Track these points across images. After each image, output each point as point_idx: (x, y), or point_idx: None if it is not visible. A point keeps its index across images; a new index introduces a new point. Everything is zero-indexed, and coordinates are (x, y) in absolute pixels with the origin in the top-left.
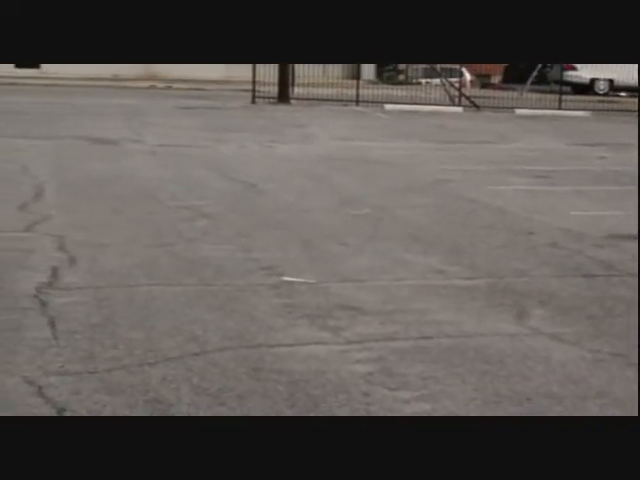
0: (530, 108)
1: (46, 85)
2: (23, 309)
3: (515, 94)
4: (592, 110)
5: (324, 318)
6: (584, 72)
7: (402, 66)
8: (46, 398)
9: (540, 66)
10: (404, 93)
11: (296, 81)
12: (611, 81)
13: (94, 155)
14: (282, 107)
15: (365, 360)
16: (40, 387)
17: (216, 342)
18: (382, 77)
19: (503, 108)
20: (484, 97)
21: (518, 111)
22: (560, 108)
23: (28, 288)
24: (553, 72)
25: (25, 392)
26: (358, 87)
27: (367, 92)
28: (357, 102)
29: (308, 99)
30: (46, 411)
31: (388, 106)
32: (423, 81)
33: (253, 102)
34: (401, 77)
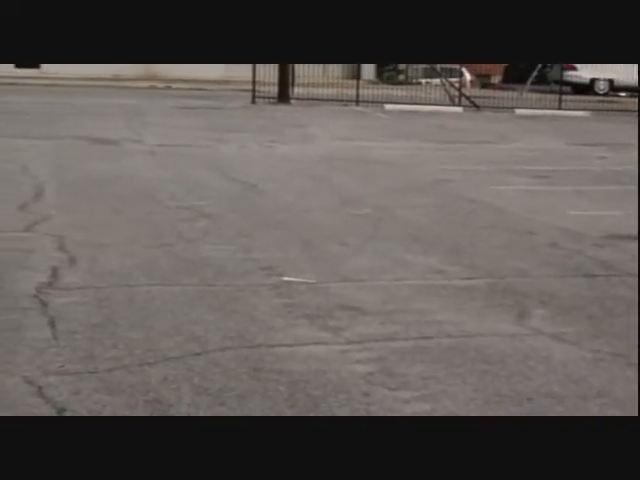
0: (530, 108)
1: (46, 85)
2: (23, 309)
3: (515, 94)
4: (592, 110)
5: (324, 318)
6: (584, 72)
7: (402, 66)
8: (46, 398)
9: (540, 66)
10: (404, 93)
11: (296, 81)
12: (611, 81)
13: (94, 155)
14: (282, 107)
15: (365, 360)
16: (40, 387)
17: (216, 342)
18: (382, 77)
19: (503, 108)
20: (484, 97)
21: (518, 111)
22: (560, 108)
23: (28, 288)
24: (553, 72)
25: (25, 392)
26: (358, 87)
27: (367, 92)
28: (357, 102)
29: (308, 99)
30: (46, 411)
31: (388, 106)
32: (423, 81)
33: (253, 102)
34: (401, 77)
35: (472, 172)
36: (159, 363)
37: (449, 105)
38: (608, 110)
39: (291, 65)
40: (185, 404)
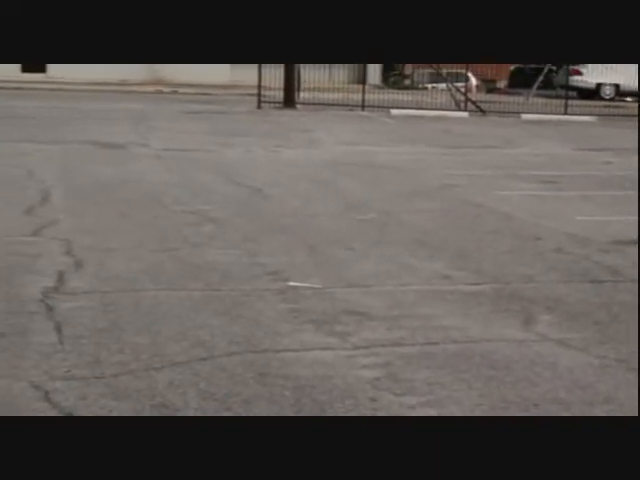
0: (536, 113)
1: (52, 90)
2: (29, 313)
3: (521, 99)
4: (598, 115)
5: (330, 323)
6: (590, 77)
7: (408, 71)
8: (53, 403)
9: (546, 71)
10: (410, 98)
11: (302, 86)
12: (617, 86)
13: (100, 159)
14: (288, 112)
15: (371, 365)
16: (47, 392)
17: (222, 347)
18: (388, 82)
19: (509, 113)
20: (490, 102)
21: (524, 116)
22: (566, 113)
23: (34, 292)
24: (559, 77)
25: (32, 397)
26: (364, 92)
27: (373, 97)
28: (363, 107)
29: (314, 104)
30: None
31: (394, 111)
32: (429, 86)
33: (259, 107)
34: (407, 82)
35: (478, 177)
36: (165, 368)
37: (455, 110)
38: (614, 115)
39: (297, 70)
40: (191, 409)
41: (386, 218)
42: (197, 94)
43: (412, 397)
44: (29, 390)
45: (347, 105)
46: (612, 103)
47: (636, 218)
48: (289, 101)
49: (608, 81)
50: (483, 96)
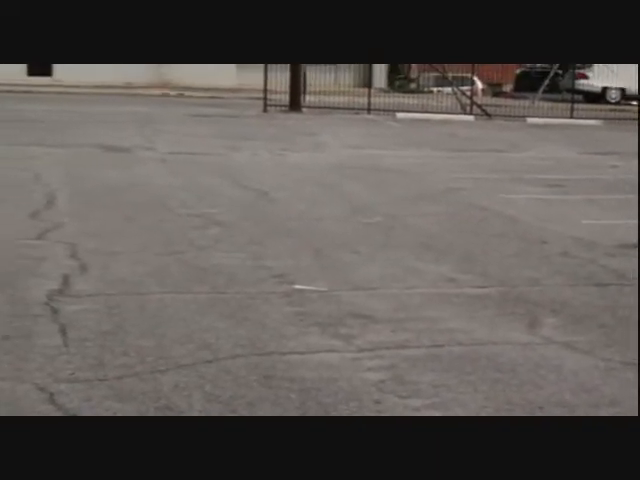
0: (542, 117)
1: (59, 93)
2: (34, 316)
3: (527, 103)
4: (604, 119)
5: (336, 326)
6: (596, 81)
7: (414, 74)
8: (57, 405)
9: (552, 74)
10: (416, 101)
11: (307, 89)
12: (623, 90)
13: (106, 163)
14: (294, 115)
15: (377, 368)
16: (51, 394)
17: (228, 350)
18: (394, 85)
19: (515, 117)
20: (496, 105)
21: (530, 120)
22: (572, 117)
23: (39, 295)
24: (565, 81)
25: (36, 399)
26: (370, 95)
27: (379, 100)
28: (369, 110)
29: (319, 107)
30: None
31: (400, 114)
32: (435, 89)
33: (265, 110)
34: (412, 85)
35: (484, 180)
36: (170, 370)
37: (461, 113)
38: (620, 119)
39: (302, 73)
40: (196, 411)
41: (392, 221)
42: (203, 97)
43: (417, 399)
44: (34, 392)
45: (353, 108)
46: (618, 107)
47: None
48: (295, 104)
49: (614, 85)
50: (489, 100)
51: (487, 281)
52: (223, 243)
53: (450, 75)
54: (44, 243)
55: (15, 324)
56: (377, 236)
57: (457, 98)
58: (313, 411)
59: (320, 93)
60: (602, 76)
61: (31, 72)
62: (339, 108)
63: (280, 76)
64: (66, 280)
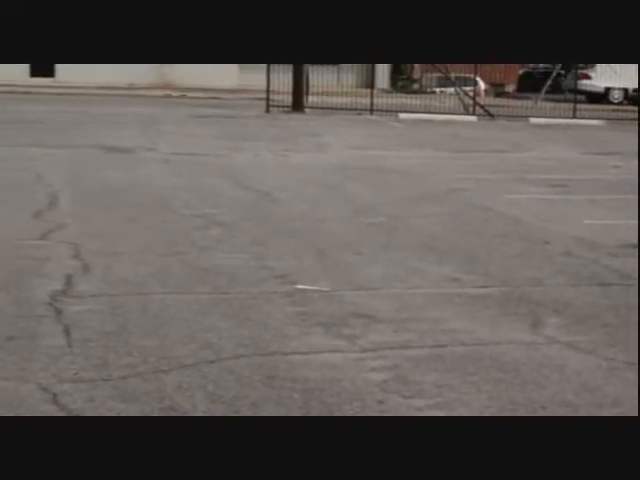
0: (544, 117)
1: (61, 94)
2: (38, 317)
3: (529, 103)
4: (606, 119)
5: (338, 326)
6: (599, 81)
7: (416, 75)
8: (60, 405)
9: (555, 75)
10: (418, 102)
11: (310, 90)
12: (626, 90)
13: (109, 163)
14: (296, 116)
15: (380, 368)
16: (55, 394)
17: (230, 350)
18: (396, 86)
19: (517, 117)
20: (498, 106)
21: (532, 120)
22: (574, 117)
23: (43, 296)
24: (568, 81)
25: (40, 399)
26: (372, 96)
27: (381, 101)
28: (371, 111)
29: (322, 108)
30: None
31: (402, 115)
32: (437, 90)
33: (267, 111)
34: (415, 86)
35: (486, 181)
36: (173, 371)
37: (463, 114)
38: (622, 119)
39: (305, 74)
40: (199, 412)
41: (394, 222)
42: (205, 98)
43: (420, 399)
44: (37, 392)
45: (355, 109)
46: (621, 107)
47: None
48: (297, 105)
49: (617, 85)
50: (491, 100)
51: (490, 281)
52: (225, 243)
53: (453, 75)
54: (47, 243)
55: (19, 324)
56: (380, 236)
57: (460, 98)
58: (316, 411)
59: (323, 94)
60: (605, 76)
61: (34, 73)
62: (342, 109)
63: (282, 77)
64: (69, 280)
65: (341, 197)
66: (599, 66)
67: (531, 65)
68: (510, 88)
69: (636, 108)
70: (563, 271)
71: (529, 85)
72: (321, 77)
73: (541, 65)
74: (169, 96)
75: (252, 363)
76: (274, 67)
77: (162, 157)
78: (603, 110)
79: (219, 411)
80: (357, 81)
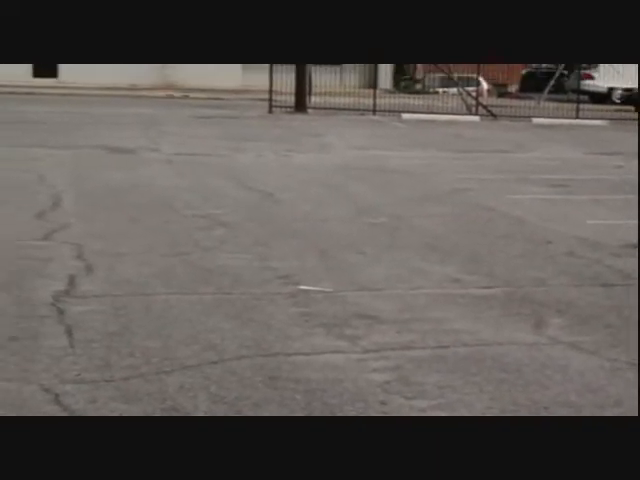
0: (547, 117)
1: (63, 95)
2: (40, 317)
3: (532, 103)
4: (609, 119)
5: (341, 327)
6: (601, 81)
7: (419, 75)
8: (63, 406)
9: (557, 75)
10: (421, 102)
11: (313, 90)
12: (630, 90)
13: (111, 164)
14: (299, 116)
15: (382, 369)
16: (57, 395)
17: (233, 351)
18: (399, 86)
19: (520, 117)
20: (501, 106)
21: (535, 120)
22: (577, 117)
23: (45, 296)
24: (570, 81)
25: (42, 400)
26: (375, 96)
27: (384, 101)
28: (374, 111)
29: (325, 108)
30: None
31: (405, 115)
32: (440, 90)
33: (270, 111)
34: (418, 86)
35: (489, 181)
36: (176, 371)
37: (466, 114)
38: (625, 119)
39: (308, 74)
40: (202, 412)
41: (397, 222)
42: (208, 99)
43: (423, 400)
44: (39, 393)
45: (358, 109)
46: (623, 107)
47: None
48: (300, 105)
49: (620, 85)
50: (494, 100)
51: (493, 282)
52: (228, 244)
53: (455, 76)
54: (50, 244)
55: (22, 325)
56: (382, 237)
57: (463, 99)
58: (318, 412)
59: (325, 94)
60: (608, 76)
61: (36, 73)
62: (344, 109)
63: (285, 77)
64: (72, 281)
65: (344, 197)
66: (602, 66)
67: (534, 65)
68: (513, 88)
69: (631, 108)
70: (566, 271)
71: (532, 85)
72: (324, 77)
73: (544, 65)
74: (171, 97)
75: (254, 364)
76: (277, 67)
77: (165, 158)
78: (606, 110)
79: (221, 412)
80: (360, 81)
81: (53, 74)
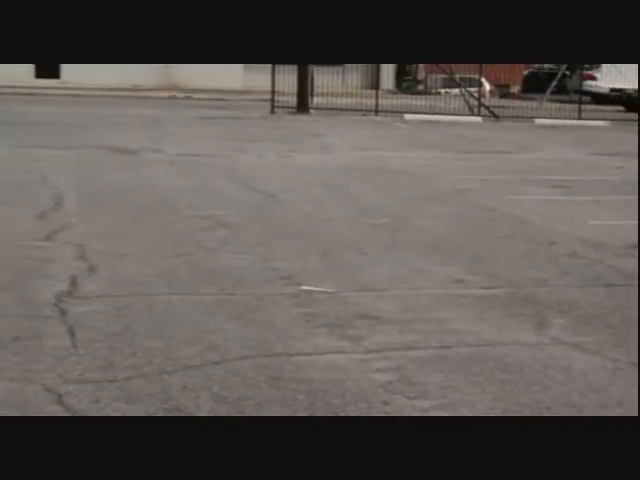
0: (549, 118)
1: (66, 95)
2: (43, 317)
3: (534, 104)
4: (612, 120)
5: (343, 327)
6: (604, 82)
7: (421, 76)
8: (66, 406)
9: (560, 76)
10: (423, 103)
11: (315, 91)
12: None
13: (114, 165)
14: (301, 117)
15: (384, 369)
16: (60, 395)
17: (235, 351)
18: (401, 87)
19: (522, 118)
20: (503, 107)
21: (537, 121)
22: (580, 118)
23: (48, 297)
24: (573, 82)
25: (45, 400)
26: (377, 97)
27: (386, 102)
28: (376, 112)
29: (327, 109)
30: None
31: (407, 116)
32: (442, 91)
33: (272, 112)
34: (420, 87)
35: (491, 182)
36: (178, 372)
37: (468, 115)
38: (627, 120)
39: (310, 75)
40: (204, 412)
41: (399, 223)
42: (211, 99)
43: (425, 400)
44: (42, 393)
45: (360, 110)
46: (615, 107)
47: None
48: (302, 106)
49: (622, 86)
50: (496, 101)
51: (495, 282)
52: (231, 245)
53: (458, 76)
54: (52, 244)
55: (24, 325)
56: (384, 237)
57: (465, 99)
58: (321, 412)
59: (327, 95)
60: (610, 77)
61: (39, 74)
62: (347, 110)
63: (287, 78)
64: (74, 281)
65: (346, 198)
66: (604, 67)
67: (536, 66)
68: (515, 89)
69: (622, 108)
70: (568, 272)
71: (534, 86)
72: (326, 78)
73: (546, 66)
74: (174, 97)
75: (257, 364)
76: (279, 68)
77: (167, 158)
78: (608, 111)
79: (224, 412)
80: (362, 82)
81: (55, 75)
